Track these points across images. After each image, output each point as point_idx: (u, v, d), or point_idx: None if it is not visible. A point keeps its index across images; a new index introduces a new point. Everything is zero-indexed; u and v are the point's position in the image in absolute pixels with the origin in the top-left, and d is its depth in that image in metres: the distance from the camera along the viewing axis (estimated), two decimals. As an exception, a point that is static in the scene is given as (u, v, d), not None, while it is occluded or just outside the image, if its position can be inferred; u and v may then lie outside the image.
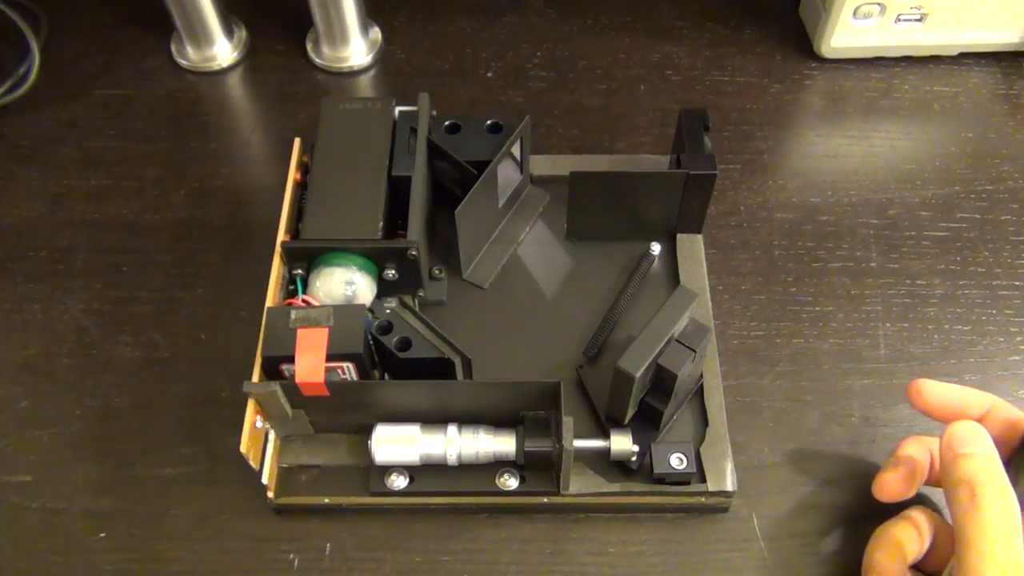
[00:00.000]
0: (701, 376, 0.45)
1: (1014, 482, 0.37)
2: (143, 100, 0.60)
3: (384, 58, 0.63)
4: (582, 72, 0.62)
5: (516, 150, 0.50)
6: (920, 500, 0.42)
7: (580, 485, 0.42)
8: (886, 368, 0.48)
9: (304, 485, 0.43)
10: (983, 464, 0.36)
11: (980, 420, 0.40)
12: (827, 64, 0.62)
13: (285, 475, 0.43)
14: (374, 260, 0.45)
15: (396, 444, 0.41)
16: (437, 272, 0.49)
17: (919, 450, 0.40)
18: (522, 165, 0.51)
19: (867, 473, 0.44)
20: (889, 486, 0.40)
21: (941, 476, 0.37)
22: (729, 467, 0.42)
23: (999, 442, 0.39)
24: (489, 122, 0.49)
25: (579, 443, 0.40)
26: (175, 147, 0.58)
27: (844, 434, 0.46)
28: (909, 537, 0.39)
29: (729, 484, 0.42)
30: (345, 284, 0.44)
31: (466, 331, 0.46)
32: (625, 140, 0.58)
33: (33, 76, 0.59)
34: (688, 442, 0.42)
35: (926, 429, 0.45)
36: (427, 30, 0.64)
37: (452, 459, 0.41)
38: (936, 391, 0.40)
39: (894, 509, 0.41)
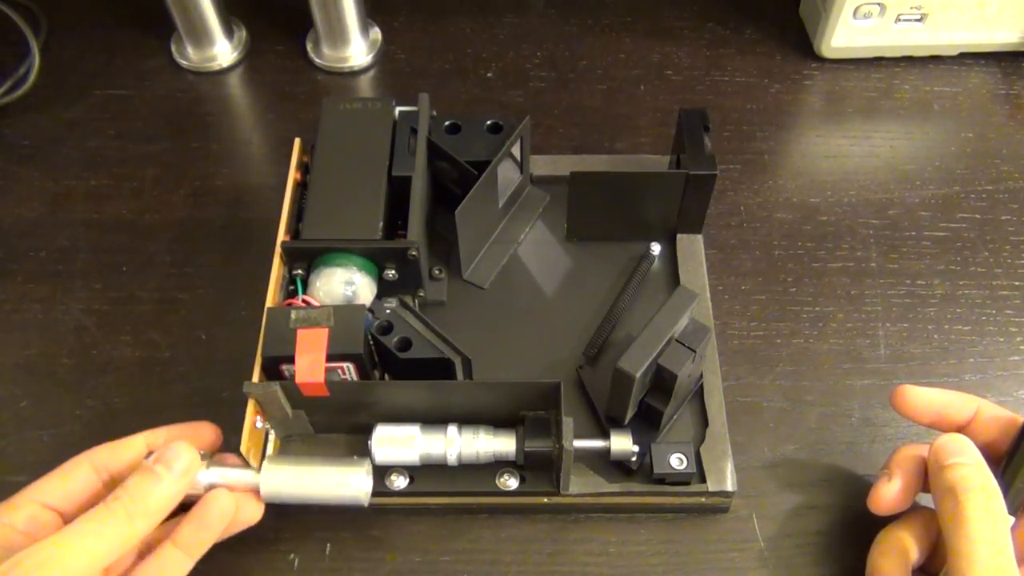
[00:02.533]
0: (701, 376, 0.45)
1: (1006, 486, 0.37)
2: (143, 100, 0.60)
3: (384, 58, 0.63)
4: (582, 72, 0.62)
5: (516, 150, 0.50)
6: (921, 504, 0.42)
7: (580, 485, 0.42)
8: (886, 368, 0.48)
9: (304, 485, 0.43)
10: (967, 473, 0.36)
11: (968, 423, 0.40)
12: (827, 64, 0.62)
13: (285, 475, 0.43)
14: (374, 260, 0.45)
15: (396, 444, 0.41)
16: (437, 272, 0.49)
17: (912, 460, 0.40)
18: (522, 165, 0.51)
19: (867, 473, 0.44)
20: (884, 500, 0.39)
21: (931, 488, 0.38)
22: (729, 467, 0.42)
23: (990, 445, 0.39)
24: (489, 122, 0.49)
25: (579, 443, 0.40)
26: (175, 147, 0.58)
27: (844, 434, 0.46)
28: (911, 540, 0.39)
29: (729, 484, 0.42)
30: (345, 284, 0.44)
31: (466, 331, 0.46)
32: (625, 140, 0.58)
33: (33, 76, 0.59)
34: (688, 442, 0.42)
35: (925, 430, 0.45)
36: (427, 30, 0.64)
37: (452, 459, 0.41)
38: (920, 396, 0.40)
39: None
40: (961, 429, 0.40)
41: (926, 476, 0.39)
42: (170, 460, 0.37)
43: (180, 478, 0.37)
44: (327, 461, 0.40)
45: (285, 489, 0.39)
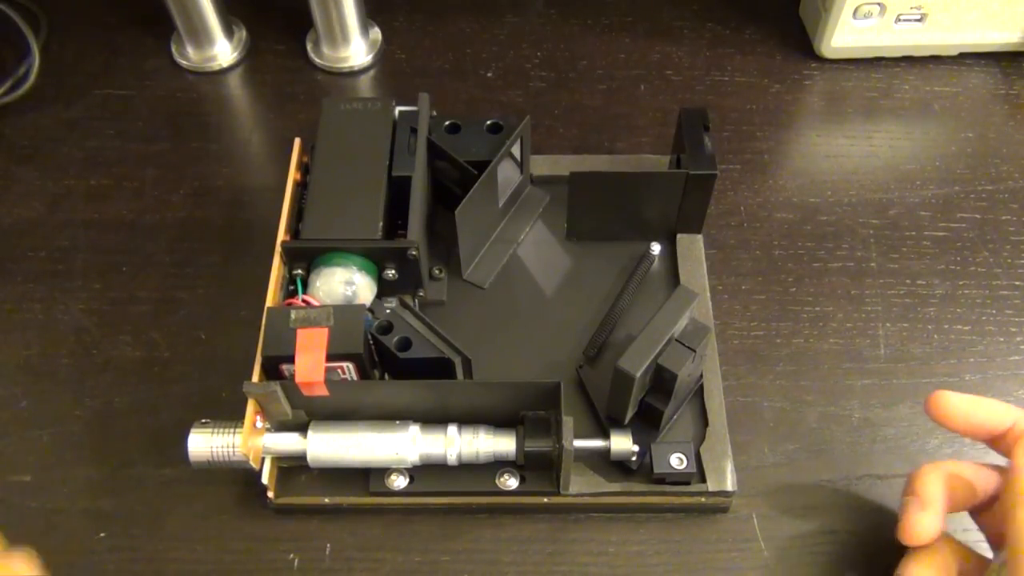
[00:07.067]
0: (701, 376, 0.45)
1: None
2: (143, 100, 0.60)
3: (384, 58, 0.63)
4: (582, 72, 0.62)
5: (516, 150, 0.50)
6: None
7: (580, 485, 0.42)
8: (886, 368, 0.48)
9: (304, 485, 0.43)
10: None
11: (1004, 434, 0.38)
12: (827, 64, 0.62)
13: (285, 475, 0.43)
14: (374, 260, 0.45)
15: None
16: (437, 272, 0.49)
17: (937, 480, 0.37)
18: (522, 165, 0.51)
19: (867, 473, 0.44)
20: (920, 530, 0.36)
21: (1006, 495, 0.35)
22: (729, 467, 0.42)
23: None
24: (489, 122, 0.49)
25: (579, 443, 0.40)
26: (175, 147, 0.58)
27: (844, 434, 0.46)
28: None
29: (729, 484, 0.42)
30: (345, 284, 0.44)
31: (466, 331, 0.46)
32: (625, 140, 0.58)
33: (33, 76, 0.59)
34: (688, 442, 0.42)
35: (926, 430, 0.45)
36: (427, 30, 0.64)
37: (452, 459, 0.41)
38: (958, 405, 0.38)
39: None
40: (996, 439, 0.38)
41: (954, 497, 0.38)
42: None
43: None
44: (370, 426, 0.41)
45: (330, 453, 0.41)
